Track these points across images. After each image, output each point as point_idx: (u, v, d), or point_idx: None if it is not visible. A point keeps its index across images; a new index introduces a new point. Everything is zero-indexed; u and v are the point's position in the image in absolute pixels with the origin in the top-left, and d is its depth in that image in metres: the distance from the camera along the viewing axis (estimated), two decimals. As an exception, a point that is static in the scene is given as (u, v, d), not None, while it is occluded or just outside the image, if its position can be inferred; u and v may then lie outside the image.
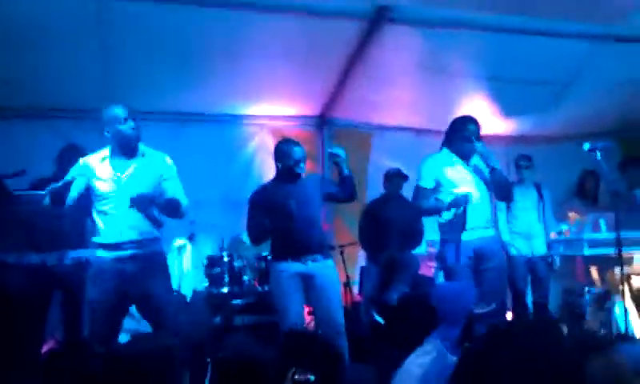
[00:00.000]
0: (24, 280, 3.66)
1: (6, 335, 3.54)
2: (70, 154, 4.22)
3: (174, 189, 3.45)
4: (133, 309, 3.58)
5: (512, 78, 5.17)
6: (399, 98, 5.70)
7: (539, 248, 5.22)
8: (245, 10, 4.28)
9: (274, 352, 2.41)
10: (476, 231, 3.88)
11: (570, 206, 5.47)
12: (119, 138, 3.33)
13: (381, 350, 3.52)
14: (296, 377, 2.20)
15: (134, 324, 3.81)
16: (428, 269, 5.58)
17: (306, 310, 4.07)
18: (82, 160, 3.40)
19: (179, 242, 5.15)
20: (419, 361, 2.40)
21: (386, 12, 4.36)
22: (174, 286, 4.33)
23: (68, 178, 3.29)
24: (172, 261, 4.86)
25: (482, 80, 5.35)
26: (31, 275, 3.78)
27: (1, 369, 3.41)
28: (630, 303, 4.19)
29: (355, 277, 5.85)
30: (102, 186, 3.30)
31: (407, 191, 5.33)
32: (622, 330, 4.05)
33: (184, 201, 3.45)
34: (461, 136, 3.94)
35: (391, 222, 5.19)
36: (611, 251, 3.99)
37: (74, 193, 3.27)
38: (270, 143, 5.73)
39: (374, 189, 5.72)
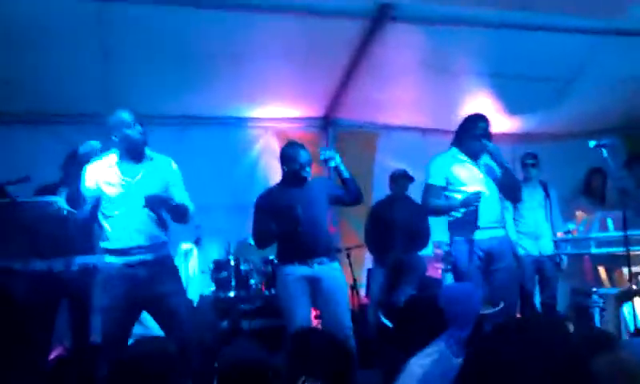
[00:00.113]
0: (30, 287, 3.65)
1: (14, 342, 3.53)
2: (75, 160, 4.23)
3: (181, 194, 3.45)
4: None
5: (515, 74, 5.15)
6: (403, 97, 5.68)
7: (546, 247, 5.15)
8: (245, 12, 4.28)
9: (281, 356, 2.40)
10: (486, 231, 3.85)
11: (576, 204, 5.43)
12: (127, 142, 3.32)
13: (388, 353, 3.50)
14: None
15: (141, 329, 3.80)
16: (435, 270, 5.56)
17: (313, 313, 4.06)
18: (88, 168, 3.40)
19: (185, 246, 5.14)
20: (420, 362, 2.38)
21: (388, 10, 4.35)
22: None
23: (87, 192, 3.31)
24: (178, 265, 4.85)
25: (485, 77, 5.34)
26: (37, 282, 3.77)
27: (9, 376, 3.41)
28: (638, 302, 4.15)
29: (362, 279, 5.84)
30: (111, 191, 3.30)
31: (413, 192, 5.34)
32: (632, 329, 4.02)
33: (191, 206, 3.46)
34: (472, 134, 3.91)
35: (397, 224, 5.17)
36: (619, 250, 3.96)
37: (88, 206, 3.29)
38: (275, 145, 5.74)
39: (380, 190, 5.71)
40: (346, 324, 3.76)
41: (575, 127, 6.09)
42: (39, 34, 4.11)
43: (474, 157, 3.95)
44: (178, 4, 4.14)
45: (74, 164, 4.06)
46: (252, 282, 5.15)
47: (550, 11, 4.36)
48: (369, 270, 5.81)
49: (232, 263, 5.12)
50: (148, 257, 3.30)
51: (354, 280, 5.51)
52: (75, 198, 3.20)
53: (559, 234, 5.21)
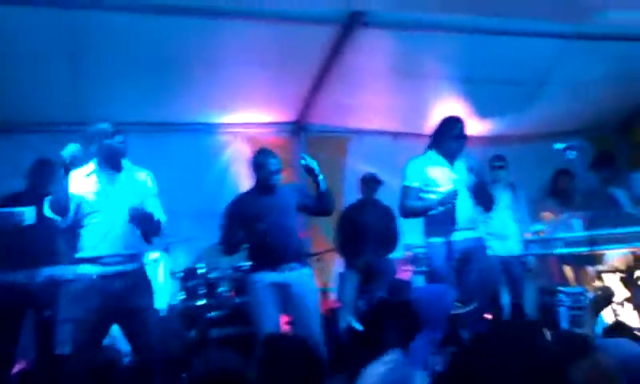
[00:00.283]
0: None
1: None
2: (42, 169, 4.14)
3: (156, 207, 3.43)
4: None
5: (485, 78, 5.22)
6: (374, 102, 5.71)
7: (514, 248, 5.20)
8: (216, 18, 4.26)
9: (251, 363, 2.38)
10: (461, 232, 3.89)
11: (544, 205, 5.49)
12: (106, 152, 3.31)
13: (359, 357, 3.49)
14: None
15: (108, 340, 3.72)
16: (405, 273, 5.57)
17: (284, 319, 4.03)
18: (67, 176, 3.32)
19: (154, 255, 5.06)
20: (376, 370, 2.37)
21: (359, 17, 4.37)
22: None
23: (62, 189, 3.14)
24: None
25: (455, 82, 5.39)
26: (0, 294, 3.69)
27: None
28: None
29: (333, 284, 5.82)
30: (89, 200, 3.25)
31: (383, 196, 5.35)
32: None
33: (163, 218, 3.43)
34: (449, 136, 3.96)
35: (367, 227, 5.18)
36: (585, 250, 4.01)
37: (71, 213, 3.19)
38: (245, 151, 5.69)
39: (351, 195, 5.70)
40: (316, 329, 3.75)
41: (543, 129, 6.17)
42: (6, 43, 4.04)
43: (452, 158, 3.99)
44: (148, 12, 4.09)
45: (46, 172, 3.99)
46: (221, 289, 5.09)
47: (519, 16, 4.43)
48: (339, 274, 5.80)
49: (202, 271, 5.05)
50: (124, 268, 3.27)
51: (325, 284, 5.48)
52: (62, 205, 3.11)
53: (527, 235, 5.27)
